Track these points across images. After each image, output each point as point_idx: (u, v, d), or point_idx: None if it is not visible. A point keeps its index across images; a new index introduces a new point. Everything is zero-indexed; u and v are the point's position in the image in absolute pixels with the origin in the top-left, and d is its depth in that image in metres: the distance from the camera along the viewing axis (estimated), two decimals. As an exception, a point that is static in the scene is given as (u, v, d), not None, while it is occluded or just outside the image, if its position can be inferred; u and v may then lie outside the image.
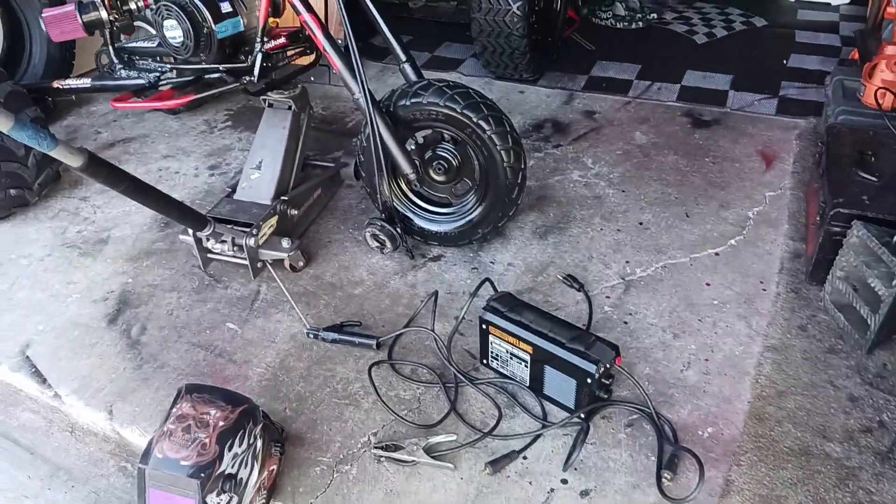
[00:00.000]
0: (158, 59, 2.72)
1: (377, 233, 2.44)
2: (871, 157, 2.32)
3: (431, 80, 2.30)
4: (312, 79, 3.77)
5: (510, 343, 1.92)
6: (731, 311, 2.23)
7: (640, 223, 2.64)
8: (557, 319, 1.91)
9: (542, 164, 3.02)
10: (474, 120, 2.22)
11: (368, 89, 2.24)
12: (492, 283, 2.09)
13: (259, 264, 2.46)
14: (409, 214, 2.54)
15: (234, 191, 2.59)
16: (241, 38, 2.41)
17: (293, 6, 2.19)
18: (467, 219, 2.46)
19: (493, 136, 2.23)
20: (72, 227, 2.80)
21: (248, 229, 2.38)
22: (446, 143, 2.41)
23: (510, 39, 3.36)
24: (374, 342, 2.11)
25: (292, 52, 2.63)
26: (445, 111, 2.24)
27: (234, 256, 2.41)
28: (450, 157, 2.41)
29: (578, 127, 3.29)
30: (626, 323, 2.21)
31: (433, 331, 2.14)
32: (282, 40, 2.51)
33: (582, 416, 1.86)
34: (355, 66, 2.21)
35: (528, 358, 1.90)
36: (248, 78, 2.40)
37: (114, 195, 2.71)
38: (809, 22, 4.13)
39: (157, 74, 2.60)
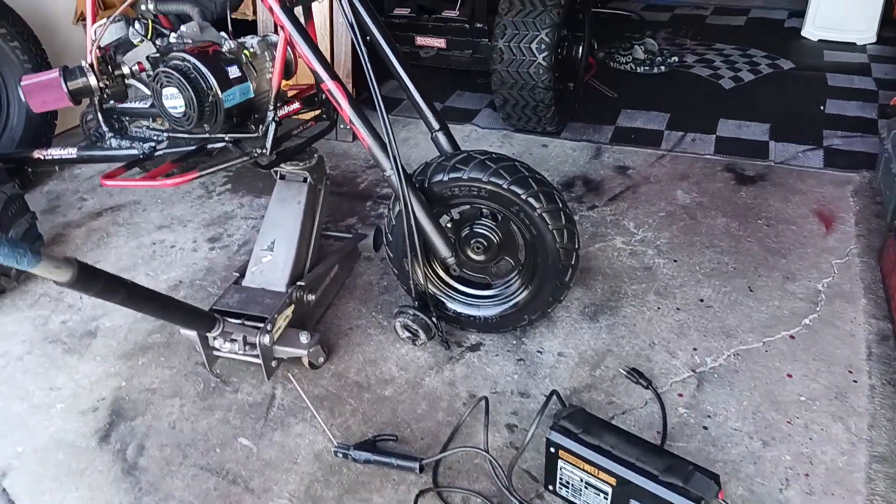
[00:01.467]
0: (152, 119, 2.42)
1: (409, 323, 2.13)
2: (967, 227, 2.07)
3: (471, 153, 2.02)
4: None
5: (586, 471, 1.61)
6: (822, 409, 1.94)
7: (701, 300, 2.36)
8: (643, 442, 1.61)
9: (579, 230, 2.73)
10: (523, 197, 1.93)
11: (402, 164, 1.95)
12: (559, 398, 1.78)
13: (274, 363, 2.13)
14: (443, 298, 2.24)
15: (242, 276, 2.28)
16: (249, 105, 2.12)
17: (314, 73, 1.90)
18: (512, 303, 2.16)
19: (544, 214, 1.95)
20: (54, 316, 2.46)
21: (261, 324, 2.07)
22: (485, 218, 2.13)
23: (535, 92, 3.10)
24: (416, 465, 1.79)
25: (307, 116, 2.34)
26: (489, 187, 1.95)
27: (244, 355, 2.09)
28: (490, 235, 2.12)
29: (613, 185, 3.02)
30: (705, 428, 1.92)
31: (488, 451, 1.82)
32: (295, 105, 2.23)
33: (679, 561, 1.55)
34: (387, 140, 1.93)
35: (609, 490, 1.59)
36: (259, 150, 2.11)
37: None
38: (838, 64, 3.93)
39: (153, 144, 2.29)
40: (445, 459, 1.85)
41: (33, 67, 3.11)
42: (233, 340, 2.07)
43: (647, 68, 3.94)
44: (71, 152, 2.48)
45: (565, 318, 2.31)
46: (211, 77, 1.99)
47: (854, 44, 4.13)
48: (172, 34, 2.19)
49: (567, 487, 1.68)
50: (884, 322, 2.20)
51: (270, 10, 1.86)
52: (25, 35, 3.12)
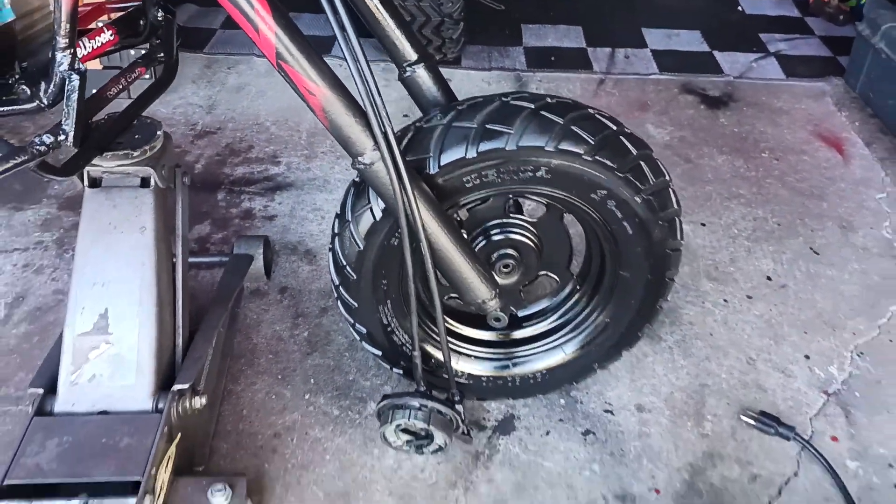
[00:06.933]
0: None
1: (415, 423, 1.17)
2: None
3: (506, 99, 1.07)
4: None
5: None
6: None
7: (768, 278, 1.69)
8: None
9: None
10: (619, 173, 1.06)
11: (396, 141, 0.96)
12: None
13: (164, 559, 1.07)
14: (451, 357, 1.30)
15: (50, 392, 1.13)
16: (6, 43, 0.95)
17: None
18: (572, 347, 1.30)
19: (651, 198, 1.09)
20: None
21: (127, 499, 1.00)
22: (511, 217, 1.22)
23: (440, 3, 2.15)
24: None
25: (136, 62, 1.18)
26: (558, 161, 1.04)
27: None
28: (525, 242, 1.22)
29: (562, 126, 2.22)
30: (900, 489, 1.26)
31: None
32: (108, 36, 1.07)
33: None
34: (367, 99, 0.92)
35: None
36: (48, 138, 0.96)
37: None
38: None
39: None
40: None
41: None
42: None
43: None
44: None
45: (614, 343, 1.50)
46: None
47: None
48: None
49: None
50: None
51: None
52: None
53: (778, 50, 2.67)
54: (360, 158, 0.97)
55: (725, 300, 1.63)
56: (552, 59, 2.58)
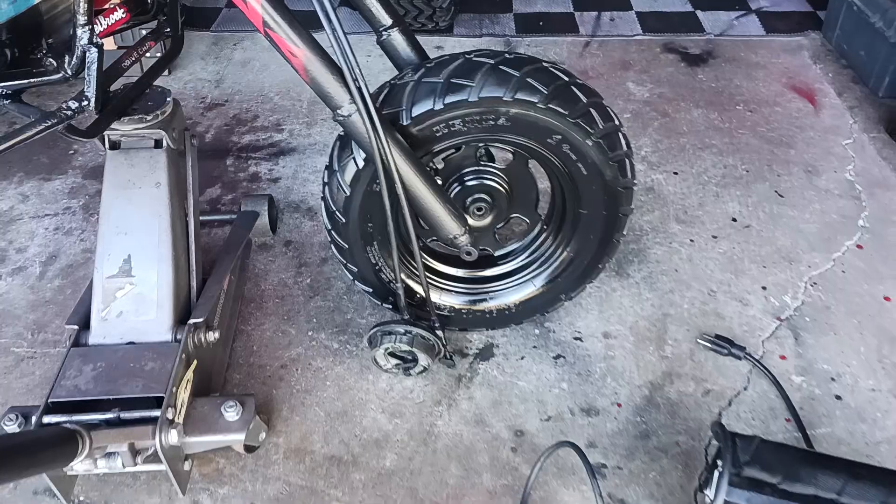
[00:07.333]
0: None
1: (401, 346, 1.34)
2: None
3: (469, 56, 1.22)
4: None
5: (810, 543, 1.01)
6: (944, 333, 1.52)
7: (734, 219, 1.82)
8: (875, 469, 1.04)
9: (538, 153, 2.05)
10: (571, 119, 1.20)
11: (370, 95, 1.11)
12: (721, 430, 1.10)
13: (186, 464, 1.25)
14: (432, 292, 1.46)
15: (84, 327, 1.31)
16: (34, 22, 1.11)
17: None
18: (542, 279, 1.45)
19: (601, 141, 1.23)
20: None
21: (152, 411, 1.17)
22: (482, 161, 1.37)
23: (430, -28, 2.29)
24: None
25: (147, 36, 1.34)
26: (515, 110, 1.19)
27: (133, 466, 1.19)
28: (496, 186, 1.37)
29: (547, 87, 2.35)
30: (838, 398, 1.41)
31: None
32: (120, 14, 1.23)
33: None
34: (341, 58, 1.07)
35: (853, 563, 1.01)
36: (74, 104, 1.12)
37: None
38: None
39: None
40: (542, 561, 1.16)
41: None
42: (110, 455, 1.15)
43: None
44: None
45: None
46: (-60, -38, 0.96)
47: None
48: None
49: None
50: (941, 207, 1.83)
51: None
52: None
53: (759, 7, 2.76)
54: (339, 111, 1.13)
55: (692, 240, 1.77)
56: (540, 24, 2.70)
